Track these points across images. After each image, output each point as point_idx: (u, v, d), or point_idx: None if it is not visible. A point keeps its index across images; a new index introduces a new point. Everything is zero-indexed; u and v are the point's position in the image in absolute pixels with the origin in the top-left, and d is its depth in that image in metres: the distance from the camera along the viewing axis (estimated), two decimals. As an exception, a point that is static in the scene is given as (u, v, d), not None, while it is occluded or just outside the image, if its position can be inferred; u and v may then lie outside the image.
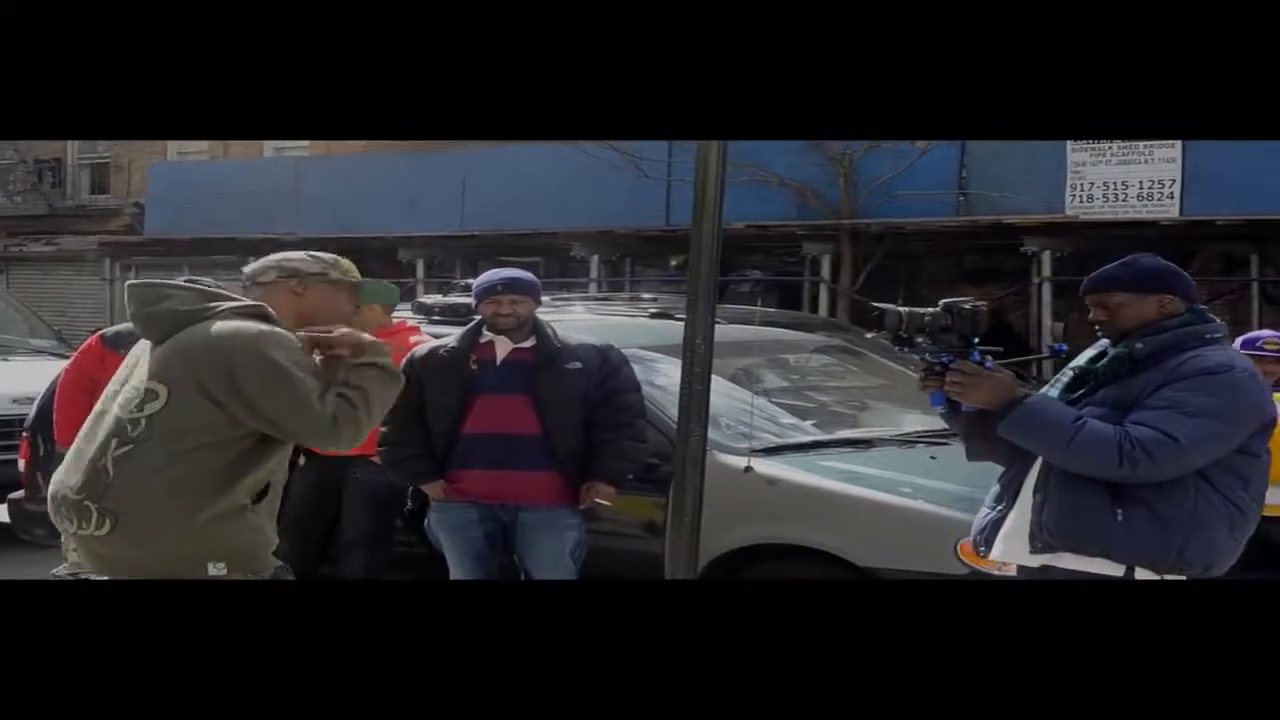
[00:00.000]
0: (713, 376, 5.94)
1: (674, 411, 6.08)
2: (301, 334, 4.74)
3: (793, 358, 9.19)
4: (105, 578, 4.62)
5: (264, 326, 4.65)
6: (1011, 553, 4.94)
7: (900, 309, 5.01)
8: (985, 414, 4.92)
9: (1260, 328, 19.13)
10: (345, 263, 4.98)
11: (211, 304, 4.71)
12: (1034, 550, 4.84)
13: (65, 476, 4.68)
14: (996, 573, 5.41)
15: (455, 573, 6.85)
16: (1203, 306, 5.02)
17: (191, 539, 4.51)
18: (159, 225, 26.37)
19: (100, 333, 8.20)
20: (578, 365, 6.74)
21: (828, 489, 6.78)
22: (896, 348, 5.02)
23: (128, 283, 4.89)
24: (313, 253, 4.97)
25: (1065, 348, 5.42)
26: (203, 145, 28.34)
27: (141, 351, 4.76)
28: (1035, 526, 4.83)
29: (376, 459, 7.10)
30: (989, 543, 5.02)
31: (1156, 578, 4.69)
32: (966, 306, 4.99)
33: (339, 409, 4.58)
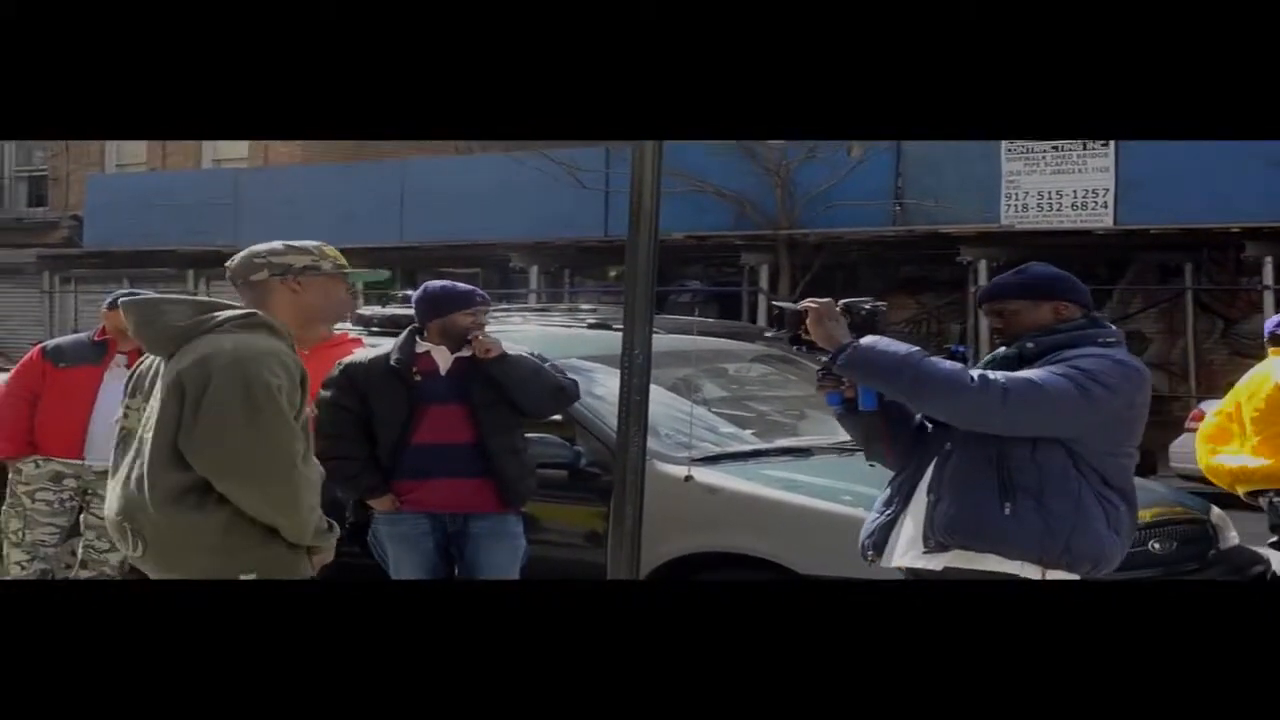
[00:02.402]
0: (652, 386, 5.92)
1: (613, 421, 6.04)
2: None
3: (731, 367, 9.20)
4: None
5: (265, 345, 4.35)
6: (907, 556, 4.85)
7: (799, 306, 4.85)
8: (883, 415, 4.87)
9: (1194, 335, 19.38)
10: (330, 249, 4.68)
11: (206, 316, 4.42)
12: (927, 550, 4.77)
13: (109, 499, 4.50)
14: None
15: (405, 584, 6.80)
16: (1099, 314, 5.00)
17: (213, 554, 4.31)
18: (98, 238, 26.22)
19: (42, 345, 8.18)
20: None
21: (767, 497, 6.80)
22: (794, 348, 4.89)
23: (122, 300, 4.55)
24: (291, 243, 4.66)
25: (965, 349, 5.34)
26: (141, 157, 28.20)
27: (156, 366, 4.53)
28: (928, 527, 4.77)
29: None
30: (878, 547, 4.96)
31: (1042, 577, 4.59)
32: (866, 307, 4.88)
33: (301, 475, 4.31)
